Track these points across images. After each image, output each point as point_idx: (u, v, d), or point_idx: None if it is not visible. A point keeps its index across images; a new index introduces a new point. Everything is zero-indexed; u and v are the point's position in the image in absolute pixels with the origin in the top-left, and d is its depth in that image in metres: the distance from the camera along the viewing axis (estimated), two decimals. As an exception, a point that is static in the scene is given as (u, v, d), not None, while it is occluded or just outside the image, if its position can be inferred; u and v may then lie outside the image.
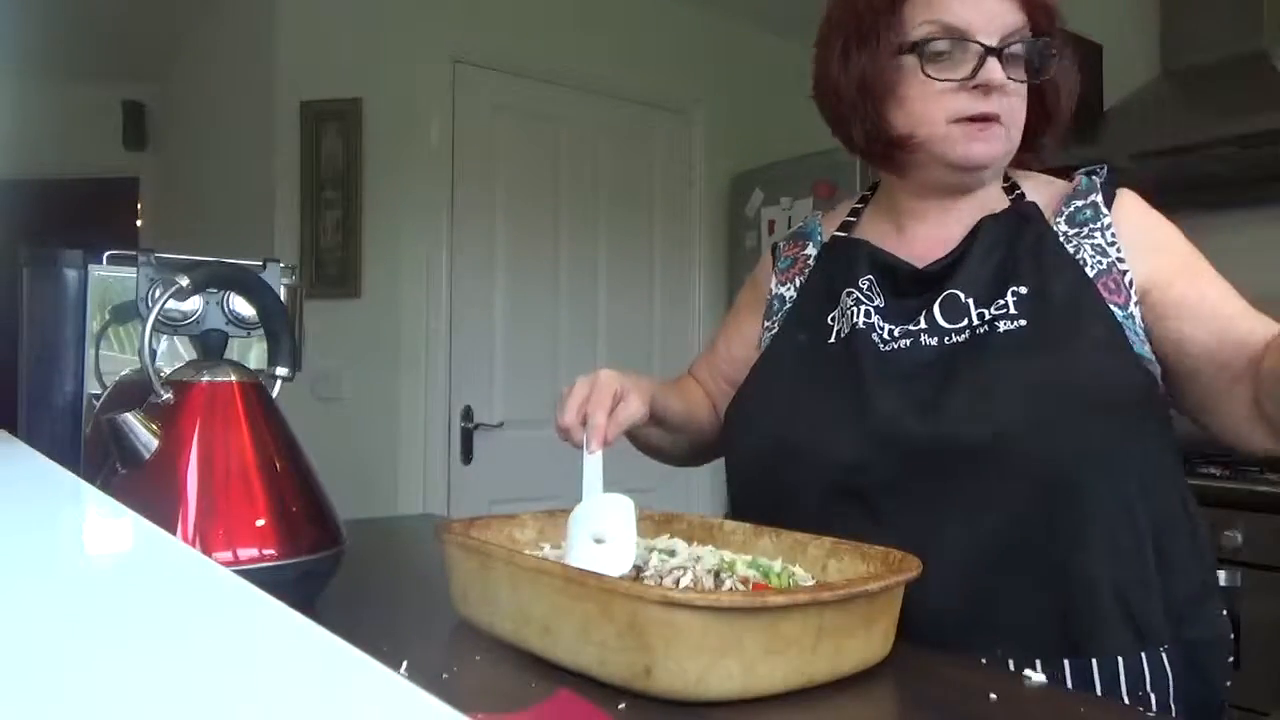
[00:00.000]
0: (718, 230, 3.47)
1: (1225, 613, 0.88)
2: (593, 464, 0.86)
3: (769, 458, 0.92)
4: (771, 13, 3.35)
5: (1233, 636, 0.89)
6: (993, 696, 0.65)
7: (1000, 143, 0.90)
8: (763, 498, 0.93)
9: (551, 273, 3.13)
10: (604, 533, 0.80)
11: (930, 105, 0.90)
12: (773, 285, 1.08)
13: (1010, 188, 0.97)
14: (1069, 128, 0.95)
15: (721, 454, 1.06)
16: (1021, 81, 0.90)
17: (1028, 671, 0.69)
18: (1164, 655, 0.81)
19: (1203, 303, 0.87)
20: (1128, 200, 0.93)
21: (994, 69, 0.87)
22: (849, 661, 0.66)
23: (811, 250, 1.06)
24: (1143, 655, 0.80)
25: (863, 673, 0.68)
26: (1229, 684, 0.88)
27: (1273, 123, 2.00)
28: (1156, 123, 2.29)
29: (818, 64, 0.98)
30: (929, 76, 0.89)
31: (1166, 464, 0.87)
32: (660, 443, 1.08)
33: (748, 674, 0.61)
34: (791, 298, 1.04)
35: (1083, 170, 0.96)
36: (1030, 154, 0.96)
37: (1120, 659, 0.80)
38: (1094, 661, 0.79)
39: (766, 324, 1.06)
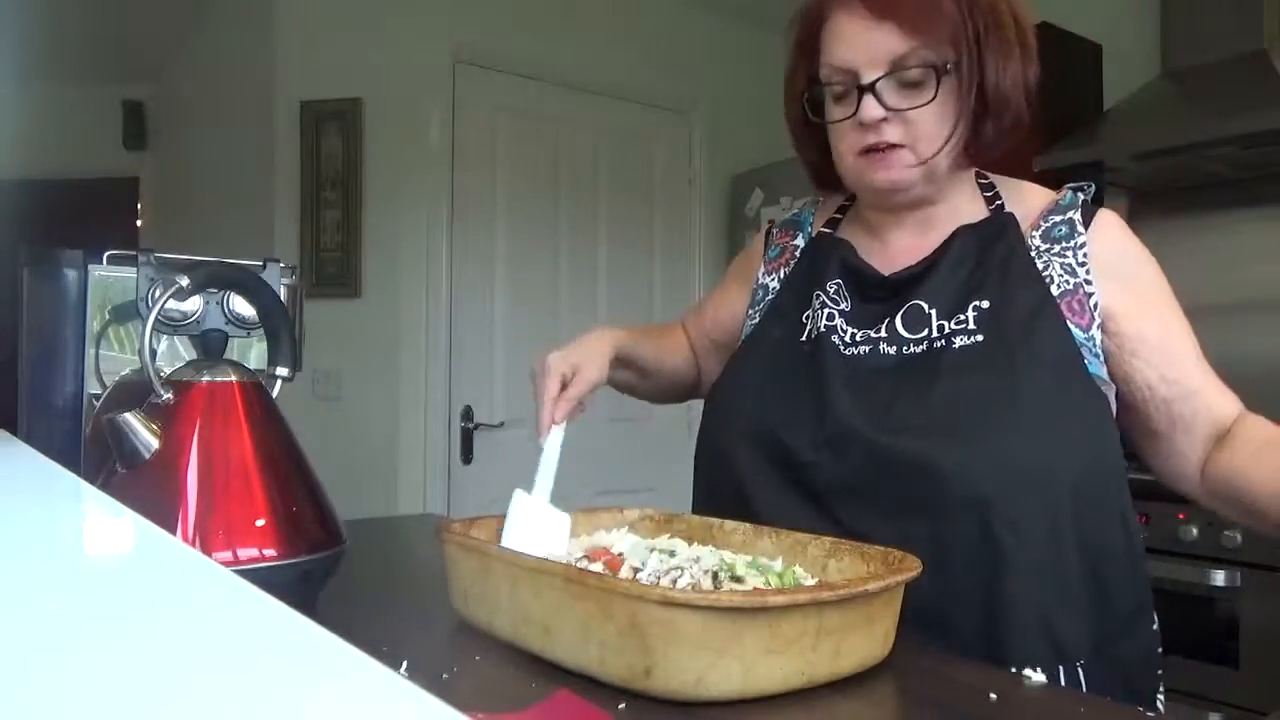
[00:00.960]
0: (718, 230, 3.47)
1: (1156, 626, 0.90)
2: (546, 452, 0.92)
3: (733, 448, 0.95)
4: (772, 13, 3.34)
5: (1160, 650, 0.91)
6: (993, 696, 0.65)
7: (903, 167, 0.91)
8: (724, 486, 0.95)
9: (551, 272, 3.13)
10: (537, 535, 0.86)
11: (838, 141, 0.95)
12: (759, 274, 1.10)
13: (992, 196, 0.97)
14: (1022, 117, 0.93)
15: (698, 396, 1.17)
16: (916, 107, 0.88)
17: (1027, 671, 0.69)
18: (1080, 670, 0.82)
19: (1162, 344, 0.90)
20: (1106, 222, 0.93)
21: (868, 105, 0.88)
22: (849, 661, 0.66)
23: (800, 242, 1.08)
24: (1060, 669, 0.81)
25: (863, 673, 0.68)
26: (1161, 694, 0.90)
27: (1273, 123, 2.00)
28: (1156, 123, 2.29)
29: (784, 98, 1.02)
30: (817, 119, 0.95)
31: (1110, 486, 0.87)
32: (630, 382, 1.15)
33: (748, 674, 0.61)
34: (774, 289, 1.06)
35: (1071, 185, 0.97)
36: (979, 151, 0.95)
37: (1038, 669, 0.79)
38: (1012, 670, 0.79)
39: (749, 311, 1.09)
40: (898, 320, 0.91)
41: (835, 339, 0.93)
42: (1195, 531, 1.89)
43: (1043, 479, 0.82)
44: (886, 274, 0.95)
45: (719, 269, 3.43)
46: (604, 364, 1.00)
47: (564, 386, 0.96)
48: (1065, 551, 0.82)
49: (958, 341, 0.87)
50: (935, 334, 0.89)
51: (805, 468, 0.88)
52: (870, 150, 0.91)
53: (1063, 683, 0.81)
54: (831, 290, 0.96)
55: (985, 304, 0.88)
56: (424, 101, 2.85)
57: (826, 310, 0.95)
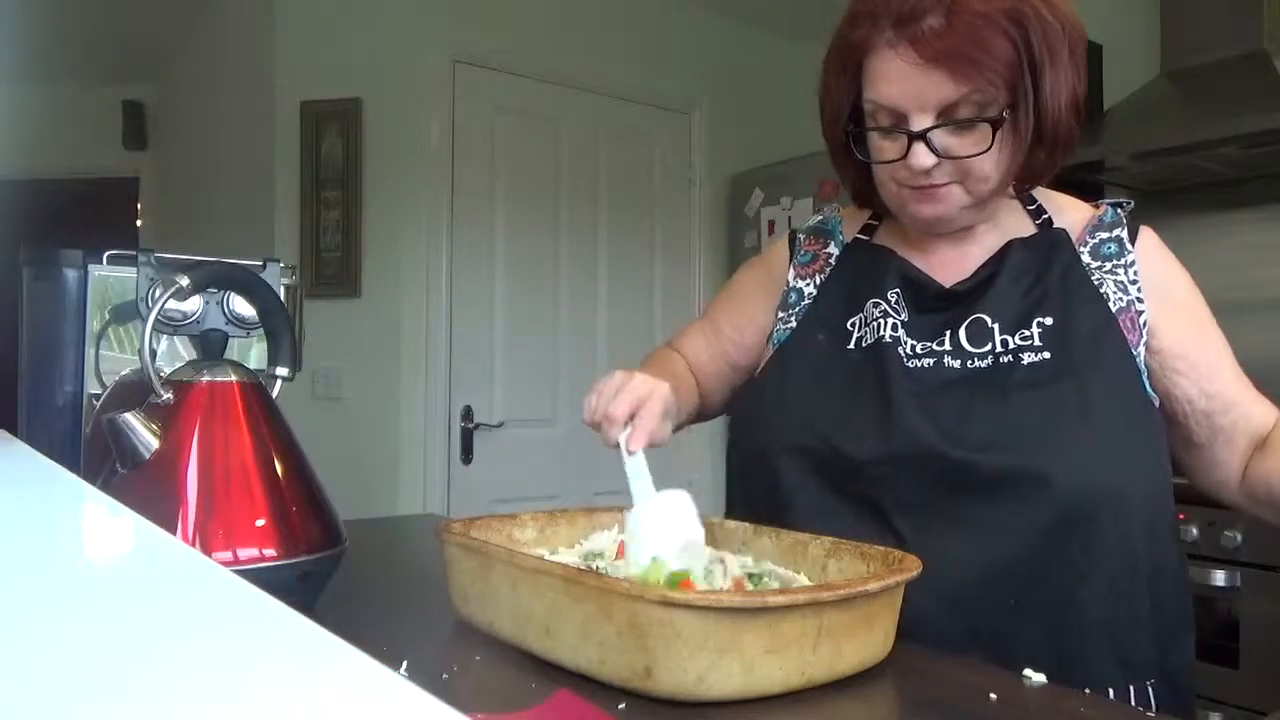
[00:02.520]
0: (718, 230, 3.47)
1: (1193, 639, 0.91)
2: (638, 464, 0.85)
3: (779, 456, 0.92)
4: (772, 13, 3.35)
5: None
6: (993, 696, 0.65)
7: (952, 202, 0.89)
8: (767, 496, 0.93)
9: (551, 273, 3.13)
10: (677, 538, 0.79)
11: (881, 170, 0.91)
12: (790, 277, 1.05)
13: (1036, 210, 0.96)
14: (1075, 139, 0.90)
15: (706, 418, 1.13)
16: (969, 156, 0.85)
17: (1028, 671, 0.69)
18: (1149, 689, 0.83)
19: (1201, 359, 0.91)
20: (1148, 240, 0.94)
21: (918, 154, 0.84)
22: (849, 661, 0.66)
23: (834, 249, 1.04)
24: (1130, 689, 0.82)
25: (863, 673, 0.68)
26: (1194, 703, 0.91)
27: (1273, 123, 2.00)
28: (1156, 123, 2.29)
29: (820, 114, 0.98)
30: (861, 156, 0.92)
31: (1167, 503, 0.88)
32: None
33: (748, 674, 0.61)
34: (811, 294, 1.02)
35: (1109, 201, 0.96)
36: (1032, 178, 0.92)
37: (1110, 690, 0.81)
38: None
39: (781, 315, 1.04)
40: (961, 333, 0.89)
41: (900, 350, 0.90)
42: (1195, 531, 1.89)
43: (1116, 497, 0.82)
44: (946, 286, 0.93)
45: (719, 269, 3.43)
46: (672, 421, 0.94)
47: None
48: (1136, 569, 0.83)
49: (1025, 358, 0.86)
50: (1000, 349, 0.88)
51: (870, 481, 0.86)
52: (921, 187, 0.88)
53: (1133, 702, 0.81)
54: (892, 300, 0.93)
55: (1049, 320, 0.87)
56: (424, 101, 2.85)
57: (890, 320, 0.92)
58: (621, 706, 0.61)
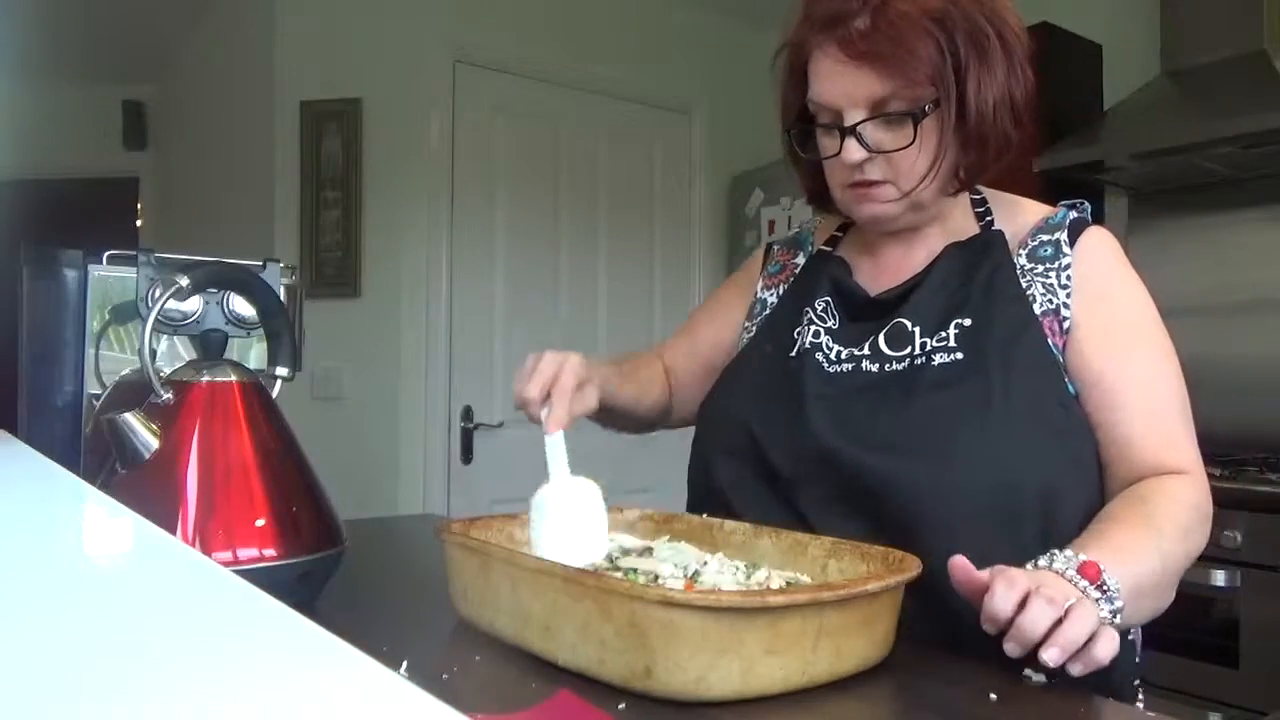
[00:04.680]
0: (718, 230, 3.47)
1: (1132, 635, 0.90)
2: (555, 444, 0.87)
3: (719, 461, 0.96)
4: (772, 13, 3.33)
5: (1138, 660, 0.91)
6: (993, 696, 0.65)
7: (885, 202, 0.92)
8: (712, 497, 0.96)
9: (551, 273, 3.13)
10: (572, 518, 0.83)
11: (829, 172, 0.96)
12: (758, 288, 1.11)
13: (984, 213, 0.98)
14: (1009, 141, 0.91)
15: (667, 426, 1.17)
16: (897, 150, 0.88)
17: (1028, 671, 0.69)
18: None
19: (1099, 381, 0.87)
20: (1090, 243, 0.92)
21: (849, 148, 0.89)
22: (849, 661, 0.66)
23: (801, 260, 1.09)
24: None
25: (863, 673, 0.68)
26: (1140, 702, 0.90)
27: (1273, 123, 2.00)
28: (1156, 123, 2.29)
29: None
30: (805, 154, 0.96)
31: (1082, 492, 0.86)
32: (604, 420, 1.09)
33: (748, 674, 0.61)
34: (772, 304, 1.07)
35: (1065, 203, 0.97)
36: (969, 177, 0.93)
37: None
38: None
39: (746, 324, 1.10)
40: (880, 338, 0.92)
41: (819, 356, 0.94)
42: (1195, 531, 1.89)
43: (1008, 491, 0.82)
44: (873, 294, 0.96)
45: (718, 269, 3.43)
46: (600, 393, 0.95)
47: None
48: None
49: (937, 359, 0.88)
50: (917, 351, 0.90)
51: (787, 483, 0.90)
52: (857, 184, 0.92)
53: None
54: (819, 308, 0.98)
55: (967, 322, 0.89)
56: (424, 101, 2.85)
57: (813, 328, 0.97)
58: (621, 706, 0.61)
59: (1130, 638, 0.89)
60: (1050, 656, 0.65)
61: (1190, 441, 0.89)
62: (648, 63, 3.30)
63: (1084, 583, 0.71)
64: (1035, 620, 0.66)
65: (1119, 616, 0.72)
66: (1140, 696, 0.92)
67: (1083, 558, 0.73)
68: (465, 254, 2.93)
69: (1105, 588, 0.71)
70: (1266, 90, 2.12)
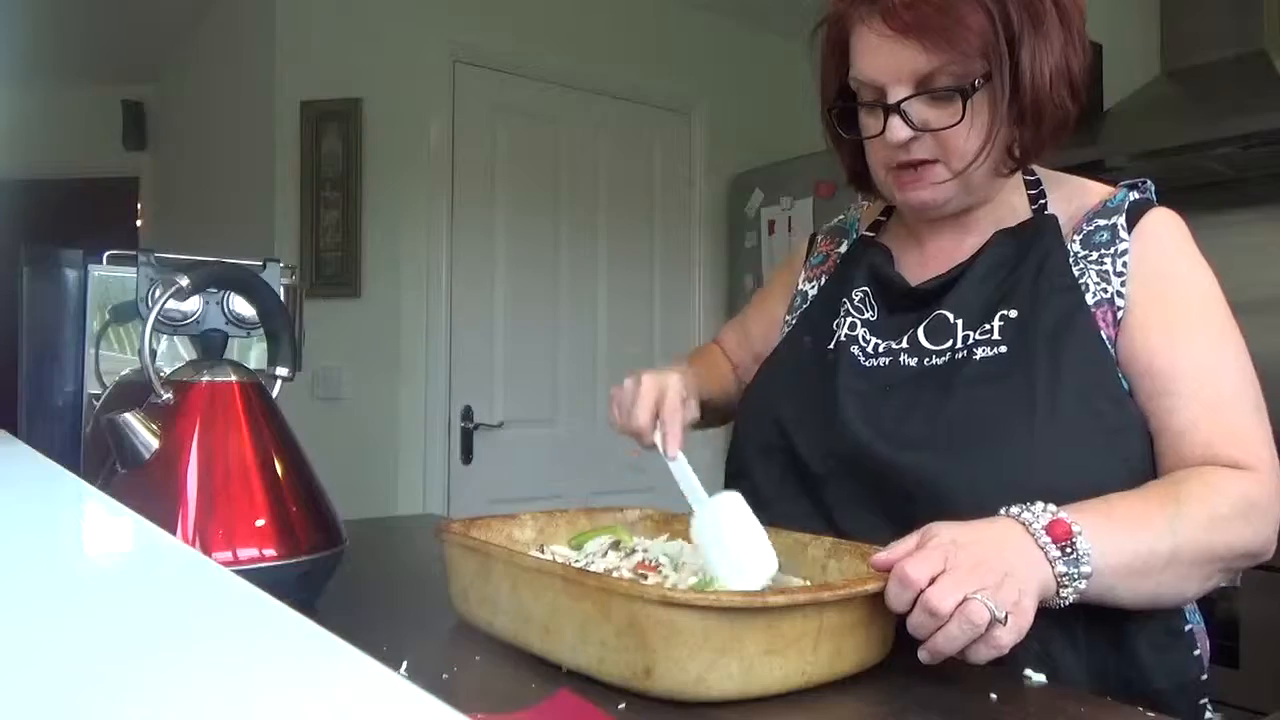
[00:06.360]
0: (718, 230, 3.47)
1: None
2: (682, 468, 0.83)
3: (754, 457, 0.94)
4: (771, 13, 3.35)
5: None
6: (993, 696, 0.65)
7: (934, 184, 0.86)
8: (746, 495, 0.93)
9: (551, 273, 3.13)
10: (742, 537, 0.77)
11: (871, 153, 0.91)
12: (800, 280, 1.07)
13: (1037, 195, 0.92)
14: (1067, 116, 0.86)
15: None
16: (945, 127, 0.83)
17: (1028, 671, 0.69)
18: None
19: (1149, 369, 0.81)
20: (1153, 221, 0.86)
21: (894, 127, 0.84)
22: (849, 661, 0.66)
23: (844, 248, 1.04)
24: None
25: (863, 673, 0.68)
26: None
27: (1273, 123, 2.00)
28: (1156, 123, 2.29)
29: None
30: (846, 135, 0.91)
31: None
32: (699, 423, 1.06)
33: (748, 674, 0.61)
34: (813, 296, 1.03)
35: (1125, 182, 0.90)
36: (1023, 155, 0.88)
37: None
38: None
39: (787, 318, 1.06)
40: (920, 331, 0.88)
41: (855, 349, 0.90)
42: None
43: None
44: (915, 283, 0.91)
45: (718, 269, 3.43)
46: (697, 400, 0.93)
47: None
48: None
49: (979, 353, 0.83)
50: (960, 345, 0.85)
51: (817, 479, 0.86)
52: (903, 166, 0.87)
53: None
54: (857, 299, 0.93)
55: (1013, 313, 0.83)
56: (424, 101, 2.85)
57: (850, 320, 0.93)
58: (621, 706, 0.61)
59: (1196, 653, 0.82)
60: (921, 658, 0.65)
61: (1260, 438, 0.80)
62: (648, 63, 3.30)
63: (1045, 539, 0.68)
64: (916, 629, 0.64)
65: (1084, 583, 0.68)
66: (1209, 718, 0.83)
67: (1059, 515, 0.69)
68: (465, 254, 2.93)
69: (1073, 550, 0.68)
70: (1266, 90, 2.12)
